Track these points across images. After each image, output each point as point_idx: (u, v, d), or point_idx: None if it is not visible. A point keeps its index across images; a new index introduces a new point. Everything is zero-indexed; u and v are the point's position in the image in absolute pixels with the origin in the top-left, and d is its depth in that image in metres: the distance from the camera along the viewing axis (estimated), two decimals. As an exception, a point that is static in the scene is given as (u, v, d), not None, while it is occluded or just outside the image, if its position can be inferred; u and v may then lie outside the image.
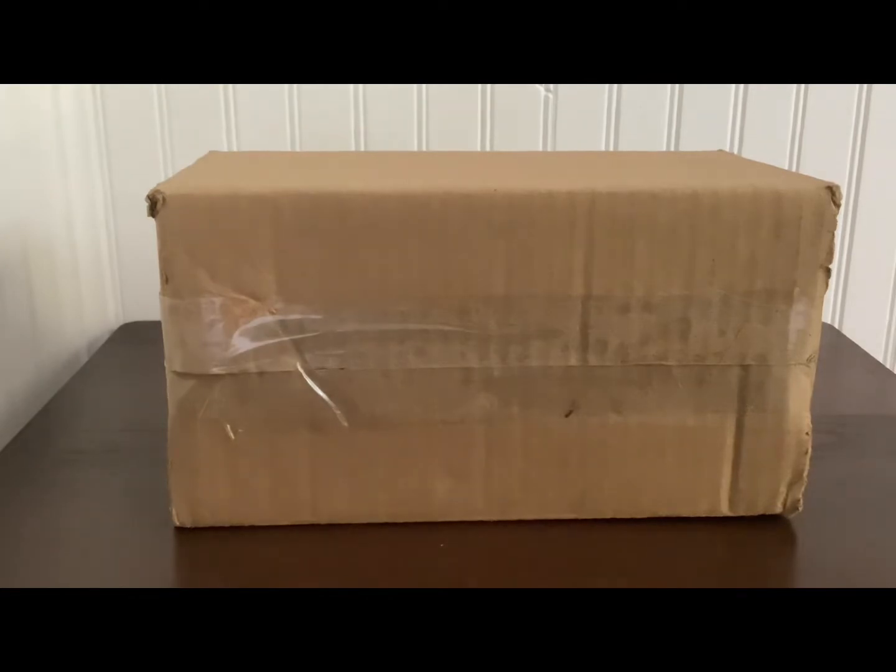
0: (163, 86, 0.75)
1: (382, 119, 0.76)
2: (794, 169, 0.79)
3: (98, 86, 0.75)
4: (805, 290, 0.42)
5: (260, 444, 0.43)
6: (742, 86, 0.77)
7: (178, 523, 0.44)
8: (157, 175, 0.76)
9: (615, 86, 0.76)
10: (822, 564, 0.42)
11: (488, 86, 0.76)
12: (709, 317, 0.42)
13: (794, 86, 0.77)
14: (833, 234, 0.41)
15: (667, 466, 0.44)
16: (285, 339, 0.41)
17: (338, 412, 0.42)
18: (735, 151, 0.78)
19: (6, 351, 0.60)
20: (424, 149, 0.77)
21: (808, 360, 0.43)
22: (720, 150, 0.57)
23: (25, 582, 0.40)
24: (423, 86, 0.76)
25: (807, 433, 0.43)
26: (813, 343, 0.42)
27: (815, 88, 0.77)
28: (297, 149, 0.77)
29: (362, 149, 0.77)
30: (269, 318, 0.41)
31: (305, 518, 0.44)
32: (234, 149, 0.77)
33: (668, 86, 0.77)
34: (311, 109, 0.76)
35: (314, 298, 0.41)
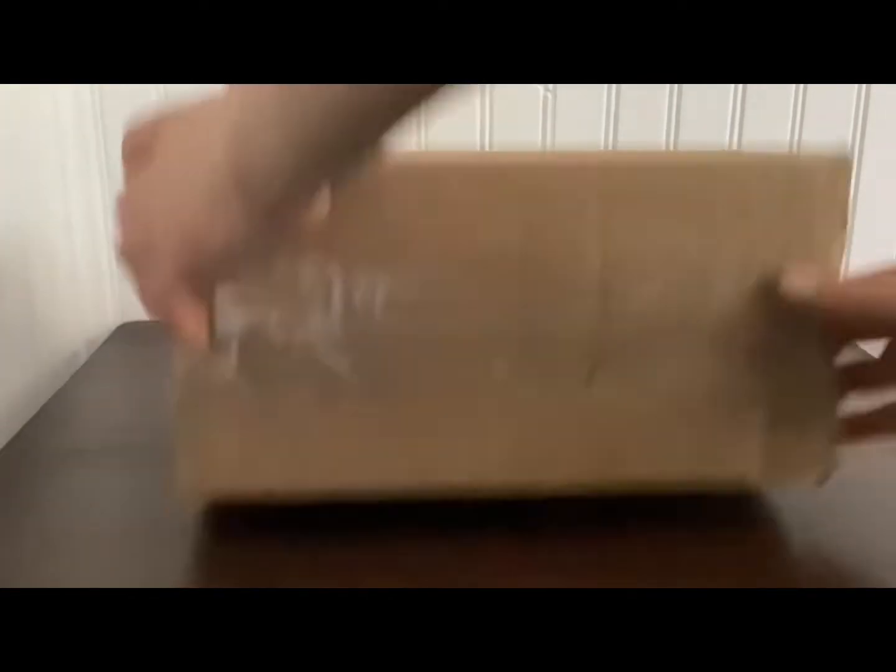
0: (162, 86, 0.75)
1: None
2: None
3: (97, 86, 0.75)
4: (823, 255, 0.42)
5: (272, 409, 0.41)
6: (742, 86, 0.77)
7: (183, 496, 0.42)
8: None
9: (614, 86, 0.76)
10: (821, 564, 0.42)
11: (487, 86, 0.76)
12: (729, 280, 0.41)
13: (793, 86, 0.77)
14: (847, 201, 0.42)
15: (695, 431, 0.43)
16: (315, 300, 0.40)
17: (354, 378, 0.41)
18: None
19: (5, 350, 0.60)
20: (423, 149, 0.77)
21: None
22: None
23: (24, 582, 0.40)
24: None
25: (838, 394, 0.43)
26: None
27: (813, 88, 0.77)
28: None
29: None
30: (307, 271, 0.40)
31: (317, 485, 0.42)
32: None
33: (668, 86, 0.77)
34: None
35: (328, 261, 0.40)
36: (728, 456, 0.43)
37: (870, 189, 0.79)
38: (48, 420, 0.57)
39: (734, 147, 0.78)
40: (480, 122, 0.76)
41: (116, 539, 0.44)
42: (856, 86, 0.77)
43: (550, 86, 0.76)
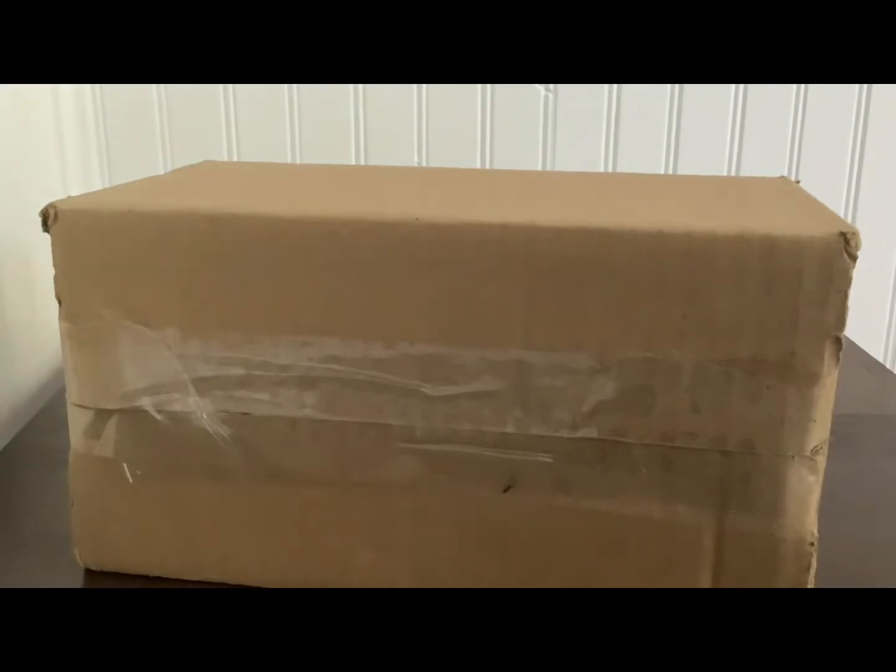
0: (163, 87, 0.75)
1: (382, 121, 0.76)
2: (792, 169, 0.79)
3: (98, 87, 0.75)
4: (806, 363, 0.33)
5: (160, 489, 0.38)
6: (742, 86, 0.77)
7: (81, 564, 0.40)
8: (156, 175, 0.76)
9: (615, 86, 0.76)
10: (821, 564, 0.42)
11: (488, 86, 0.76)
12: (678, 387, 0.34)
13: (794, 86, 0.77)
14: (846, 295, 0.32)
15: (627, 565, 0.36)
16: (184, 376, 0.37)
17: (241, 462, 0.38)
18: (734, 151, 0.78)
19: (6, 349, 0.60)
20: (424, 150, 0.77)
21: (814, 452, 0.34)
22: (782, 178, 0.48)
23: (24, 582, 0.40)
24: (423, 86, 0.76)
25: (811, 543, 0.36)
26: (819, 431, 0.34)
27: (814, 88, 0.77)
28: (297, 148, 0.77)
29: (362, 150, 0.77)
30: (166, 353, 0.37)
31: (213, 575, 0.39)
32: (234, 150, 0.77)
33: (668, 86, 0.77)
34: (310, 108, 0.76)
35: (216, 333, 0.36)
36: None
37: (870, 188, 0.79)
38: (49, 421, 0.57)
39: (733, 149, 0.78)
40: (481, 121, 0.77)
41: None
42: (856, 86, 0.77)
43: (551, 86, 0.76)
